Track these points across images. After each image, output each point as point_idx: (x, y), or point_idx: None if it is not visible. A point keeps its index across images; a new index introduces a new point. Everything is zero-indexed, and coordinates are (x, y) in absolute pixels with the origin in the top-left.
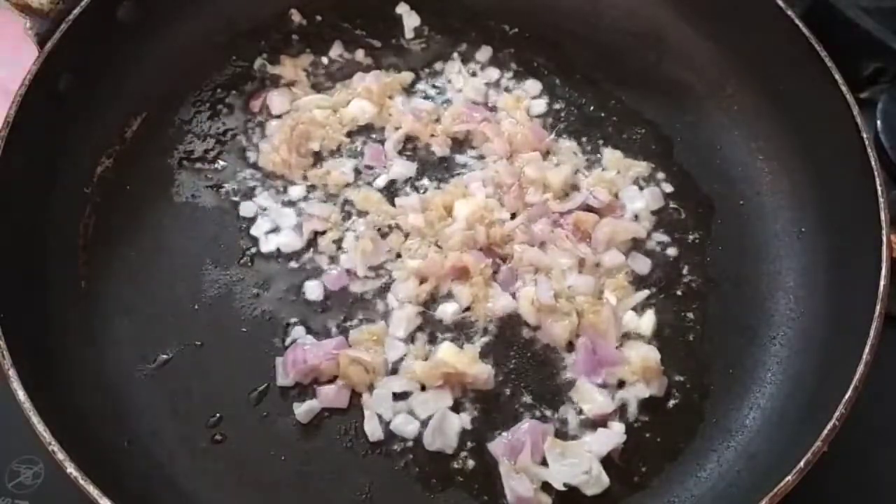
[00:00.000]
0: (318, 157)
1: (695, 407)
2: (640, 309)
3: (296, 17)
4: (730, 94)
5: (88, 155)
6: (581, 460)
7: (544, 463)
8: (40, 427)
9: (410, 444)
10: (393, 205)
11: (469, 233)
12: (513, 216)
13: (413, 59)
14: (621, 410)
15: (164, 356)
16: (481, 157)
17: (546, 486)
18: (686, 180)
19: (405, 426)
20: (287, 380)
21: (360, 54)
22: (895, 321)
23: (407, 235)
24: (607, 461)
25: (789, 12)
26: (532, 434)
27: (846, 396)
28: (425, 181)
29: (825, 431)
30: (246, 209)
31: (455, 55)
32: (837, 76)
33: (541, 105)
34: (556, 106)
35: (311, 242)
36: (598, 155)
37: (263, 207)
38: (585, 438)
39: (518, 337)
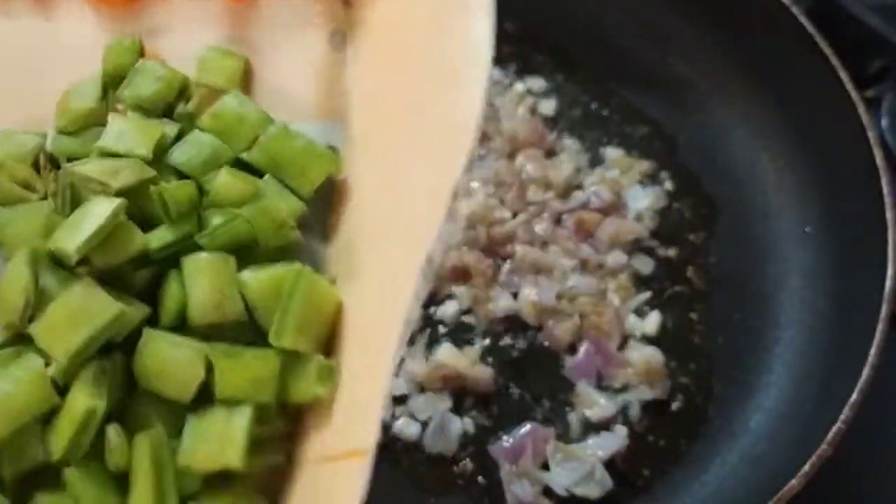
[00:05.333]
0: None
1: (698, 409)
2: (643, 310)
3: None
4: (734, 92)
5: None
6: (583, 464)
7: (546, 467)
8: None
9: (410, 447)
10: None
11: (470, 232)
12: (514, 215)
13: None
14: (624, 413)
15: None
16: (481, 156)
17: (547, 491)
18: (689, 179)
19: (406, 429)
20: None
21: None
22: None
23: None
24: (609, 465)
25: (793, 9)
26: (533, 437)
27: (852, 399)
28: None
29: (831, 434)
30: None
31: None
32: (842, 74)
33: (542, 103)
34: (558, 104)
35: None
36: (601, 154)
37: None
38: (588, 442)
39: (519, 338)
